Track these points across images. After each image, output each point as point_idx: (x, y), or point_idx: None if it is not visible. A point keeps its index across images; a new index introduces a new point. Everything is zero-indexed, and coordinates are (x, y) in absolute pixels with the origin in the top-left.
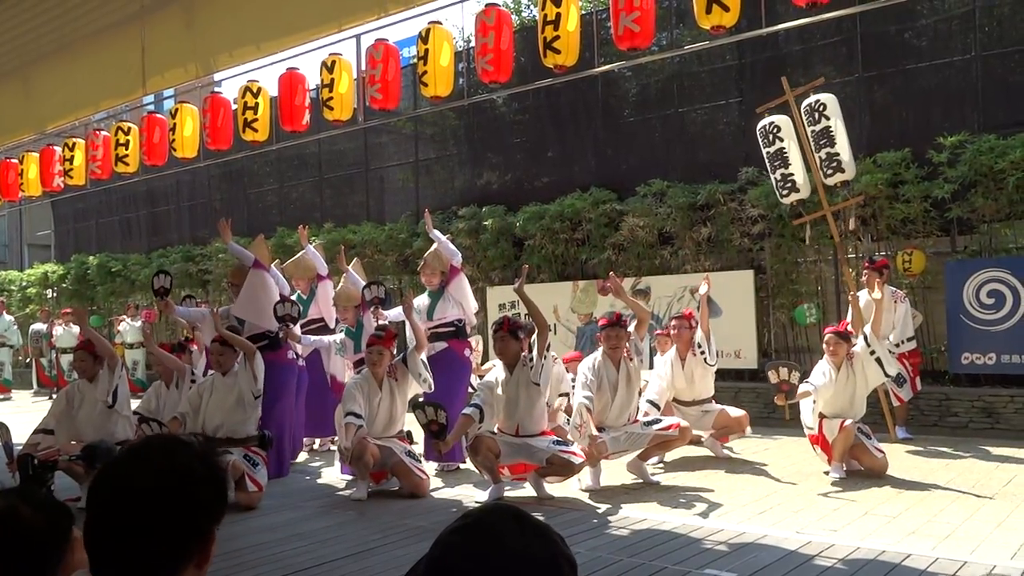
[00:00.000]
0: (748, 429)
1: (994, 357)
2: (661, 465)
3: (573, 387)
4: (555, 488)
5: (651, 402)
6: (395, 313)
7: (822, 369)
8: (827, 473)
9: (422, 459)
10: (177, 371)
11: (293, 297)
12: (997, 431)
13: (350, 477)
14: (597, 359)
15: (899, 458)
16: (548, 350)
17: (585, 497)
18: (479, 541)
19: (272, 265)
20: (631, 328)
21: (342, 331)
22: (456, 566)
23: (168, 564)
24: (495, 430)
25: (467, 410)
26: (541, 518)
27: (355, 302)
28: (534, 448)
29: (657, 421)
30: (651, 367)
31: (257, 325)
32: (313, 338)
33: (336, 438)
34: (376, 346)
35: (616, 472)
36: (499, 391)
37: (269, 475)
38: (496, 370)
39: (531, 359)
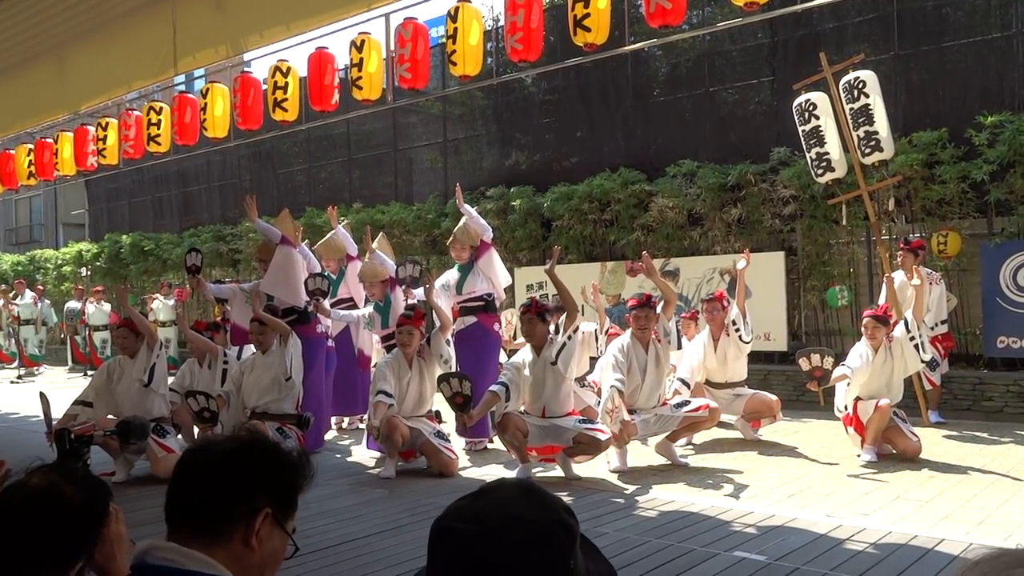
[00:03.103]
0: (779, 414)
1: None
2: (690, 447)
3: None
4: (583, 469)
5: (682, 380)
6: (423, 292)
7: (859, 352)
8: (859, 456)
9: (451, 438)
10: (210, 352)
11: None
12: None
13: (378, 454)
14: (626, 341)
15: (932, 442)
16: (576, 332)
17: (613, 478)
18: (481, 505)
19: (303, 243)
20: (659, 309)
21: (371, 306)
22: (454, 526)
23: (213, 519)
24: (522, 410)
25: (494, 387)
26: (568, 499)
27: (380, 278)
28: (561, 428)
29: (687, 403)
30: (679, 348)
31: (285, 301)
32: (342, 312)
33: (364, 416)
34: (406, 326)
35: (644, 453)
36: (526, 372)
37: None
38: (524, 351)
39: (555, 338)
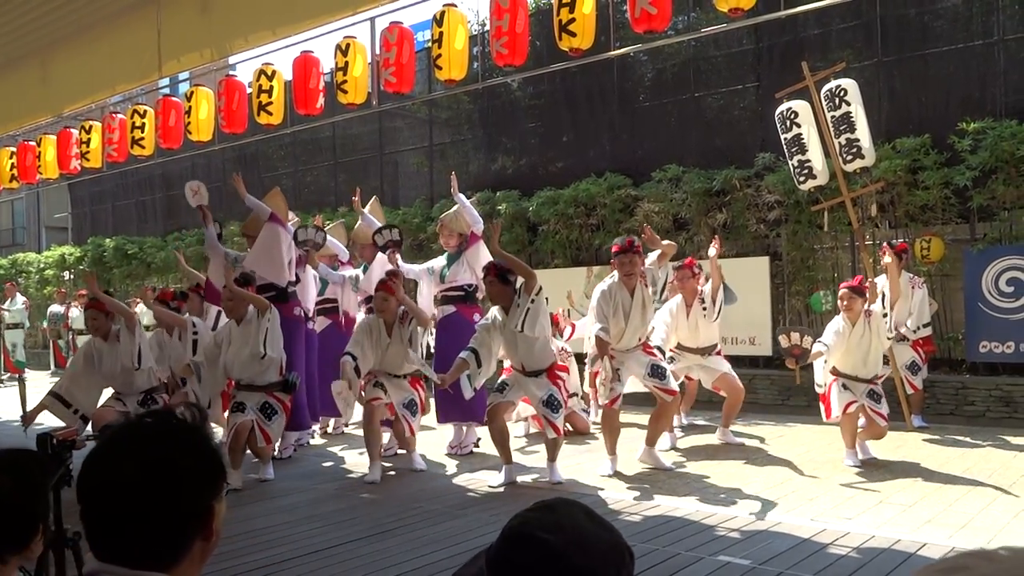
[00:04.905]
0: (739, 406)
1: (1012, 346)
2: (675, 451)
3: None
4: (568, 472)
5: (657, 347)
6: (404, 269)
7: (835, 328)
8: (844, 461)
9: (418, 412)
10: (178, 325)
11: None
12: (1015, 420)
13: (364, 457)
14: (612, 283)
15: (915, 446)
16: (538, 293)
17: (598, 483)
18: (557, 519)
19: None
20: (654, 257)
21: (360, 267)
22: (537, 534)
23: (170, 547)
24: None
25: (463, 354)
26: None
27: (371, 240)
28: (535, 392)
29: (663, 376)
30: (660, 299)
31: (266, 278)
32: (329, 270)
33: (348, 421)
34: (381, 291)
35: (630, 459)
36: (497, 333)
37: (289, 427)
38: (494, 310)
39: (519, 303)
